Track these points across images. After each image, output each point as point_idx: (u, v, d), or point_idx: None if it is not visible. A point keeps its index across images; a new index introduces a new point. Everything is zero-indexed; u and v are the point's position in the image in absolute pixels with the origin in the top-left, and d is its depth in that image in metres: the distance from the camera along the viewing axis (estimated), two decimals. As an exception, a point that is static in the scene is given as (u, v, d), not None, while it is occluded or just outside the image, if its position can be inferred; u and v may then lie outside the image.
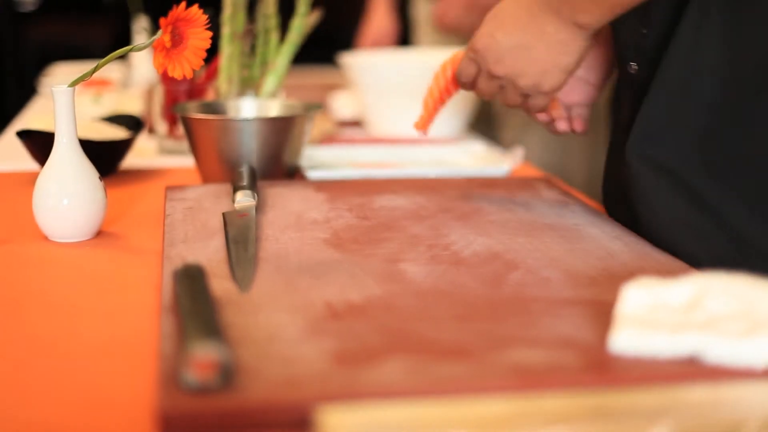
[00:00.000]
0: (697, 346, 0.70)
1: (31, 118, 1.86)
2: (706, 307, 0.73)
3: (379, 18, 2.50)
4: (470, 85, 1.11)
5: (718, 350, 0.69)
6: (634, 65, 1.08)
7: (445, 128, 1.74)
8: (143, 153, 1.57)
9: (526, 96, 1.07)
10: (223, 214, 1.07)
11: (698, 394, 0.66)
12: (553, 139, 2.23)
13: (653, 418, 0.63)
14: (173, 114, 1.54)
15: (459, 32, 2.30)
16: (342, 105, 2.02)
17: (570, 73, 1.04)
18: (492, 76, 1.07)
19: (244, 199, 1.10)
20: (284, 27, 1.55)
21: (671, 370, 0.69)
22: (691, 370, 0.69)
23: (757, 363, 0.69)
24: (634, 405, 0.65)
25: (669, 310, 0.73)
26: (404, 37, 2.71)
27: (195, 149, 1.32)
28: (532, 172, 1.49)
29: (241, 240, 0.98)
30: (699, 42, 0.99)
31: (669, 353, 0.70)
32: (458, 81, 1.12)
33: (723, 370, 0.69)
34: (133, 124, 1.50)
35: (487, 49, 1.05)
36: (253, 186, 1.14)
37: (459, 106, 1.76)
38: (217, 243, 1.00)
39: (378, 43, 2.54)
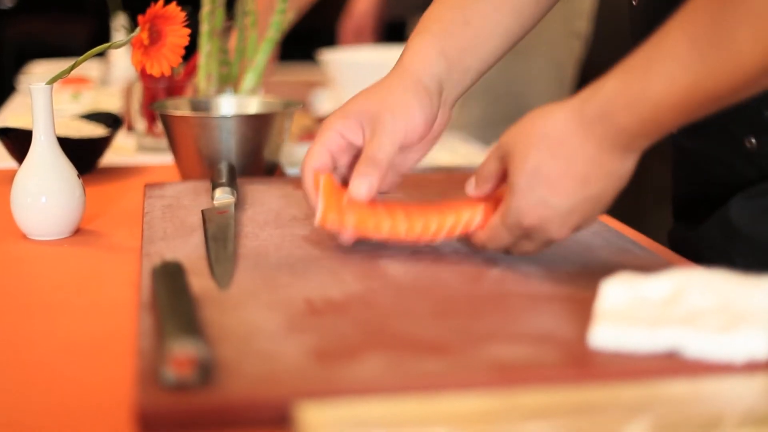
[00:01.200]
0: (677, 340, 0.70)
1: (9, 115, 1.85)
2: (685, 302, 0.73)
3: (361, 11, 2.49)
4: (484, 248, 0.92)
5: (697, 344, 0.69)
6: (753, 141, 0.99)
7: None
8: (122, 150, 1.56)
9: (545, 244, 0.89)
10: (203, 211, 1.06)
11: (678, 388, 0.66)
12: None
13: (633, 413, 0.63)
14: (152, 111, 1.53)
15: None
16: (322, 101, 2.02)
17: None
18: (520, 235, 0.88)
19: (223, 196, 1.10)
20: (263, 24, 1.54)
21: (650, 364, 0.69)
22: (671, 364, 0.69)
23: (736, 357, 0.69)
24: (613, 400, 0.65)
25: (648, 305, 0.73)
26: (390, 31, 2.70)
27: (174, 146, 1.32)
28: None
29: (220, 237, 0.97)
30: None
31: (648, 348, 0.70)
32: (476, 244, 0.92)
33: (702, 364, 0.69)
34: (112, 121, 1.50)
35: (546, 222, 0.85)
36: (232, 183, 1.13)
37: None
38: (196, 240, 0.99)
39: (359, 37, 2.53)
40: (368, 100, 0.98)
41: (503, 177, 0.89)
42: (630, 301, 0.74)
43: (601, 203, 0.84)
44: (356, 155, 0.98)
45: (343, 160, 0.99)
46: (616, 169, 0.82)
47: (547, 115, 0.84)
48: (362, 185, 0.93)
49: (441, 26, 1.01)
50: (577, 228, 0.86)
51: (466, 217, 0.92)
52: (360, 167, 0.94)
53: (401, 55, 1.02)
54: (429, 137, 1.00)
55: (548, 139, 0.83)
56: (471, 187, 0.92)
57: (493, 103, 2.21)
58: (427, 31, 1.01)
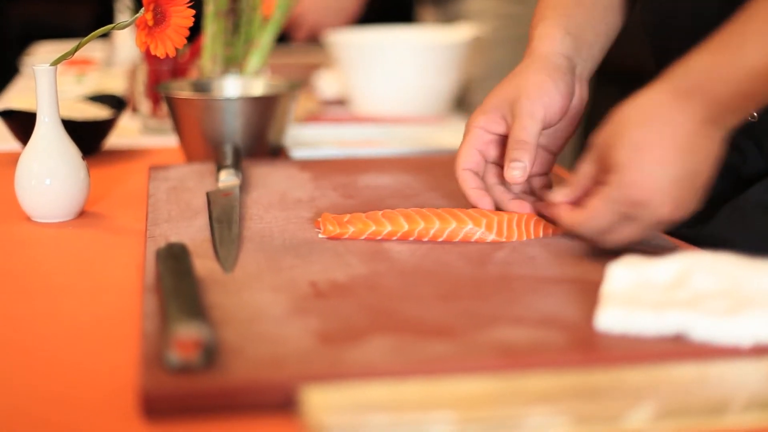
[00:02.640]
0: (683, 323, 0.70)
1: (13, 97, 1.85)
2: (690, 286, 0.73)
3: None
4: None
5: (703, 328, 0.69)
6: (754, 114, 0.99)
7: (429, 107, 1.74)
8: (126, 132, 1.56)
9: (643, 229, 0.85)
10: (207, 193, 1.06)
11: (684, 372, 0.66)
12: None
13: (638, 397, 0.63)
14: (156, 93, 1.53)
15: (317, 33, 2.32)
16: (326, 84, 2.01)
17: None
18: (621, 213, 0.84)
19: (228, 178, 1.10)
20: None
21: (656, 348, 0.69)
22: (677, 348, 0.69)
23: (743, 340, 0.69)
24: (618, 384, 0.65)
25: (654, 289, 0.73)
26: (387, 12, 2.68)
27: (178, 128, 1.31)
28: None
29: (224, 219, 0.97)
30: None
31: (654, 331, 0.70)
32: (571, 224, 0.88)
33: (708, 348, 0.69)
34: (116, 103, 1.49)
35: (652, 193, 0.82)
36: (237, 165, 1.13)
37: (442, 85, 1.75)
38: (201, 222, 0.99)
39: (322, 21, 2.50)
40: (504, 90, 1.00)
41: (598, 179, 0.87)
42: (636, 284, 0.74)
43: (699, 179, 0.82)
44: (505, 145, 0.99)
45: (493, 153, 1.01)
46: (710, 144, 0.82)
47: (636, 100, 0.84)
48: (515, 169, 0.94)
49: (557, 10, 1.04)
50: (679, 207, 0.82)
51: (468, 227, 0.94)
52: (509, 153, 0.95)
53: (529, 44, 1.04)
54: (571, 113, 1.02)
55: (644, 115, 0.83)
56: (561, 194, 0.90)
57: None
58: (546, 17, 1.04)
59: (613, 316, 0.70)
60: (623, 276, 0.74)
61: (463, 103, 2.25)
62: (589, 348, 0.69)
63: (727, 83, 0.80)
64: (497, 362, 0.67)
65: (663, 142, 0.81)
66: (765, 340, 0.69)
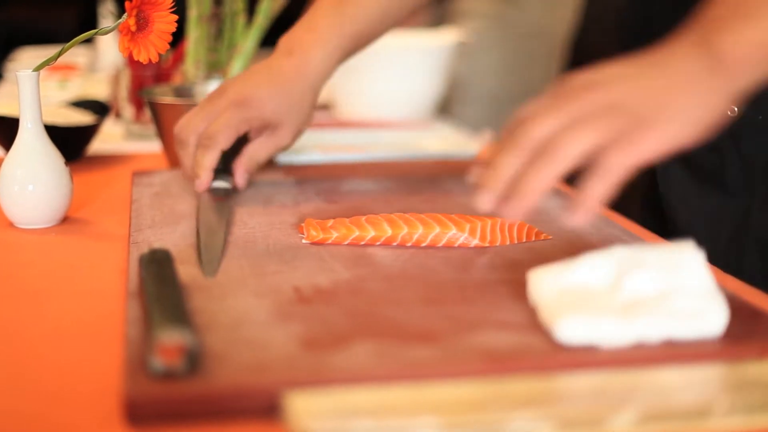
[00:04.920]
0: (647, 330, 0.69)
1: (-4, 103, 1.84)
2: (627, 287, 0.73)
3: None
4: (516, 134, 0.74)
5: (667, 331, 0.70)
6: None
7: (413, 111, 1.74)
8: (110, 138, 1.56)
9: (616, 136, 0.72)
10: (198, 196, 1.06)
11: (666, 376, 0.66)
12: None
13: (622, 401, 0.63)
14: (140, 98, 1.53)
15: None
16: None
17: (693, 125, 0.74)
18: (568, 102, 0.74)
19: (219, 183, 1.09)
20: (251, 10, 1.54)
21: (639, 353, 0.69)
22: (659, 352, 0.69)
23: (712, 333, 0.70)
24: (602, 388, 0.65)
25: (592, 294, 0.73)
26: None
27: (162, 134, 1.31)
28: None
29: (213, 224, 0.97)
30: None
31: (618, 339, 0.69)
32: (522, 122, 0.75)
33: (690, 352, 0.69)
34: (100, 108, 1.49)
35: (581, 75, 0.76)
36: (227, 170, 1.13)
37: (427, 89, 1.75)
38: (184, 228, 0.99)
39: None
40: None
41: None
42: (568, 290, 0.74)
43: (662, 93, 0.73)
44: None
45: None
46: (688, 60, 0.74)
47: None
48: None
49: None
50: (645, 106, 0.73)
51: (452, 233, 0.93)
52: None
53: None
54: None
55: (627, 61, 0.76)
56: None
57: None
58: None
59: (574, 326, 0.70)
60: (550, 283, 0.75)
61: (448, 107, 2.25)
62: (571, 353, 0.69)
63: (734, 32, 0.74)
64: (481, 367, 0.67)
65: (635, 59, 0.76)
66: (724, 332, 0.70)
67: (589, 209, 0.72)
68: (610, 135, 0.72)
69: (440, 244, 0.93)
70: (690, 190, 1.12)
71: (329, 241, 0.94)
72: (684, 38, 0.76)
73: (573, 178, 0.76)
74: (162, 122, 1.30)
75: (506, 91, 2.31)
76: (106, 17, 2.41)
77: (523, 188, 0.72)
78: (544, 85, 2.23)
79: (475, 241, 0.93)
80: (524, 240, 0.95)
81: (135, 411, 0.63)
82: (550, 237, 0.96)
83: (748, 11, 0.75)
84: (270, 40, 1.81)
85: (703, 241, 0.82)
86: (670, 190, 1.15)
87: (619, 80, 0.74)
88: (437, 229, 0.93)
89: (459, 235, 0.93)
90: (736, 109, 0.98)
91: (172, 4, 0.99)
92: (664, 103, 0.73)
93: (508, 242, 0.94)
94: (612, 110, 0.72)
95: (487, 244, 0.93)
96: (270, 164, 1.33)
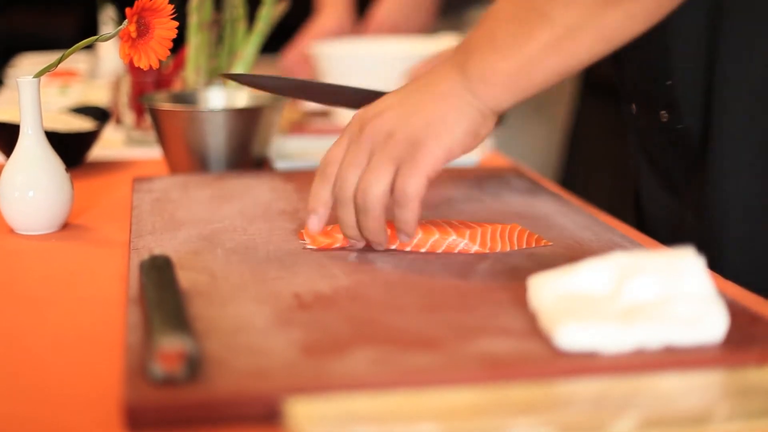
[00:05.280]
0: (647, 336, 0.69)
1: (-4, 109, 1.84)
2: (627, 293, 0.73)
3: (327, 16, 2.41)
4: (332, 183, 0.90)
5: (667, 337, 0.70)
6: (665, 114, 1.05)
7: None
8: (110, 144, 1.56)
9: (397, 170, 0.86)
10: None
11: (667, 382, 0.66)
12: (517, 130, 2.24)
13: (622, 407, 0.63)
14: (140, 105, 1.53)
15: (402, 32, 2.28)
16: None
17: (457, 143, 0.87)
18: (361, 140, 0.88)
19: None
20: (252, 16, 1.54)
21: (639, 359, 0.69)
22: (659, 358, 0.69)
23: (712, 339, 0.70)
24: (602, 394, 0.65)
25: (592, 300, 0.73)
26: None
27: (162, 140, 1.31)
28: (502, 161, 1.49)
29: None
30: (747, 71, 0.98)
31: (618, 345, 0.69)
32: (315, 189, 0.91)
33: (692, 358, 0.69)
34: (100, 115, 1.49)
35: (367, 108, 0.90)
36: None
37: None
38: (185, 234, 0.99)
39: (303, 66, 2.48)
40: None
41: None
42: (567, 297, 0.74)
43: (425, 114, 0.86)
44: None
45: None
46: (448, 82, 0.87)
47: None
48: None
49: None
50: (410, 131, 0.86)
51: (451, 239, 0.94)
52: None
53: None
54: None
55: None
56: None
57: None
58: None
59: (574, 333, 0.70)
60: (550, 289, 0.75)
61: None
62: (572, 359, 0.69)
63: (475, 30, 0.87)
64: (481, 373, 0.67)
65: (419, 102, 0.87)
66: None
67: (411, 235, 0.89)
68: (396, 162, 0.86)
69: (440, 250, 0.93)
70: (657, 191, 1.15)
71: (335, 246, 0.94)
72: (447, 62, 0.88)
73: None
74: (162, 129, 1.30)
75: None
76: (107, 24, 2.41)
77: (371, 237, 0.90)
78: (551, 92, 2.23)
79: (475, 247, 0.93)
80: (524, 246, 0.95)
81: (135, 417, 0.63)
82: (551, 243, 0.96)
83: (496, 44, 0.86)
84: (270, 46, 1.81)
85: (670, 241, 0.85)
86: (642, 190, 1.18)
87: (390, 109, 0.87)
88: (437, 235, 0.93)
89: (459, 241, 0.93)
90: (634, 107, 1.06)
91: (173, 11, 0.99)
92: (430, 122, 0.86)
93: (508, 248, 0.94)
94: (390, 139, 0.86)
95: (487, 251, 0.93)
96: (269, 170, 1.33)
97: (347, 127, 0.90)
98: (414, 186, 0.86)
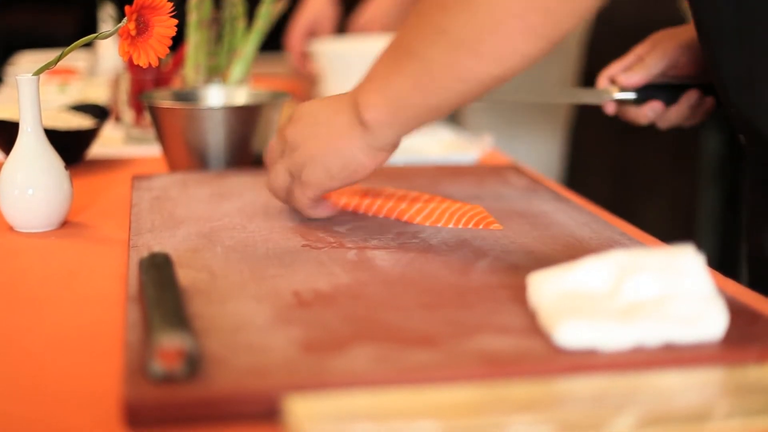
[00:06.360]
0: (646, 334, 0.70)
1: (-5, 107, 1.84)
2: (627, 291, 0.73)
3: (316, 3, 2.44)
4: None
5: (667, 335, 0.70)
6: (742, 137, 1.03)
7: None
8: (110, 142, 1.56)
9: (292, 177, 0.99)
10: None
11: (665, 380, 0.66)
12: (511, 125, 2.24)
13: (621, 405, 0.63)
14: (140, 102, 1.53)
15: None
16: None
17: (331, 177, 0.96)
18: (280, 139, 1.00)
19: None
20: (251, 14, 1.54)
21: (639, 356, 0.69)
22: (659, 356, 0.69)
23: (712, 336, 0.70)
24: (601, 392, 0.65)
25: (592, 298, 0.73)
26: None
27: (162, 138, 1.31)
28: (501, 159, 1.49)
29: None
30: None
31: (618, 343, 0.69)
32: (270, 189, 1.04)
33: (691, 356, 0.69)
34: (99, 113, 1.49)
35: (299, 112, 0.99)
36: None
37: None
38: (184, 232, 0.99)
39: (313, 31, 2.48)
40: None
41: None
42: (568, 294, 0.74)
43: (345, 159, 0.94)
44: None
45: None
46: (343, 118, 0.93)
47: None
48: None
49: None
50: (329, 174, 0.95)
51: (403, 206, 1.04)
52: None
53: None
54: None
55: (316, 104, 0.99)
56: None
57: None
58: None
59: (574, 330, 0.70)
60: (550, 287, 0.75)
61: (458, 112, 2.25)
62: (571, 356, 0.69)
63: (362, 87, 0.92)
64: (481, 371, 0.67)
65: (320, 124, 0.95)
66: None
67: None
68: (290, 171, 0.99)
69: (393, 216, 1.03)
70: None
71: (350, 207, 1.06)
72: (347, 94, 0.94)
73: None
74: (162, 126, 1.30)
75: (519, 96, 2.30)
76: (106, 21, 2.41)
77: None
78: (557, 89, 2.22)
79: (418, 219, 1.02)
80: (470, 226, 1.01)
81: (135, 415, 0.63)
82: (502, 227, 1.00)
83: (373, 79, 0.91)
84: (270, 44, 1.81)
85: None
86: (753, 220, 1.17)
87: (305, 121, 0.97)
88: (391, 204, 1.04)
89: (407, 209, 1.02)
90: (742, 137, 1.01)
91: (172, 9, 0.99)
92: (315, 154, 0.95)
93: (452, 225, 1.01)
94: (292, 152, 0.97)
95: (428, 224, 1.02)
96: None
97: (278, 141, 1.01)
98: (300, 197, 0.99)
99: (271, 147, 1.02)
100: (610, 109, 1.01)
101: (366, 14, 2.27)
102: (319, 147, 0.95)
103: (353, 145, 0.93)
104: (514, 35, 0.83)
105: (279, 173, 1.00)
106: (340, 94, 0.96)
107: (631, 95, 0.99)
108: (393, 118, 0.90)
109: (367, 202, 1.06)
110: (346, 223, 1.03)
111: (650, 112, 1.03)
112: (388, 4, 2.27)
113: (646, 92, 1.01)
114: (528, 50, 0.84)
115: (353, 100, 0.93)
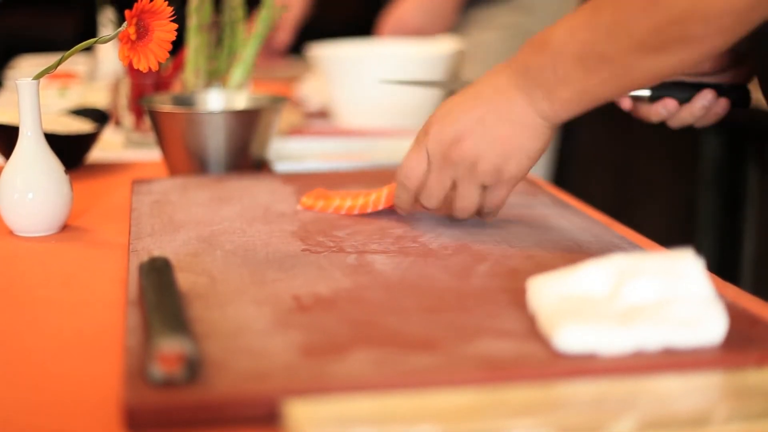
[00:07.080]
0: (646, 338, 0.70)
1: (-5, 111, 1.84)
2: (626, 295, 0.73)
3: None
4: (415, 192, 1.00)
5: (666, 338, 0.70)
6: None
7: (412, 120, 1.74)
8: (109, 146, 1.56)
9: (484, 188, 0.97)
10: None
11: (666, 384, 0.66)
12: None
13: (621, 409, 0.63)
14: (140, 107, 1.53)
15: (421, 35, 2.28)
16: (310, 93, 2.01)
17: (534, 161, 0.96)
18: (445, 166, 0.96)
19: None
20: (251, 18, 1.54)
21: (638, 360, 0.69)
22: (658, 360, 0.69)
23: (711, 340, 0.70)
24: (601, 396, 0.65)
25: (592, 302, 0.73)
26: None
27: (162, 142, 1.31)
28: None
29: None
30: None
31: (617, 347, 0.69)
32: (399, 194, 1.02)
33: (691, 360, 0.69)
34: (99, 117, 1.49)
35: (443, 127, 0.95)
36: None
37: (425, 97, 1.75)
38: (184, 236, 0.99)
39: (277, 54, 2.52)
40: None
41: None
42: (567, 298, 0.74)
43: (502, 143, 0.93)
44: None
45: None
46: (517, 114, 0.92)
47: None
48: None
49: None
50: (491, 164, 0.94)
51: (374, 197, 1.07)
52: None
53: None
54: None
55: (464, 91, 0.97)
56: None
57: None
58: None
59: (573, 334, 0.70)
60: (549, 291, 0.75)
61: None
62: (571, 361, 0.69)
63: (533, 51, 0.91)
64: (480, 375, 0.67)
65: (465, 94, 0.95)
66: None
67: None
68: (481, 186, 0.96)
69: (369, 210, 1.07)
70: None
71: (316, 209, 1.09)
72: (511, 86, 0.93)
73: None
74: (162, 130, 1.30)
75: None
76: (106, 26, 2.41)
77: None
78: None
79: (355, 211, 1.08)
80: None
81: (135, 419, 0.63)
82: None
83: (559, 77, 0.90)
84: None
85: None
86: None
87: (469, 136, 0.93)
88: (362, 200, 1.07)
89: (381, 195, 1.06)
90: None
91: (172, 13, 0.99)
92: (510, 152, 0.93)
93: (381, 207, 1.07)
94: (474, 169, 0.94)
95: (357, 211, 1.07)
96: (268, 172, 1.33)
97: (423, 140, 0.97)
98: (499, 201, 0.98)
99: (411, 173, 0.98)
100: (626, 104, 1.01)
101: (394, 14, 2.28)
102: (507, 151, 0.94)
103: (539, 136, 0.93)
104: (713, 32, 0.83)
105: (466, 196, 0.97)
106: (478, 91, 0.95)
107: (645, 92, 0.99)
108: (577, 106, 0.91)
109: (335, 203, 1.09)
110: (345, 227, 1.03)
111: (663, 110, 1.03)
112: (416, 4, 2.27)
113: (660, 89, 1.01)
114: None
115: (526, 95, 0.92)
